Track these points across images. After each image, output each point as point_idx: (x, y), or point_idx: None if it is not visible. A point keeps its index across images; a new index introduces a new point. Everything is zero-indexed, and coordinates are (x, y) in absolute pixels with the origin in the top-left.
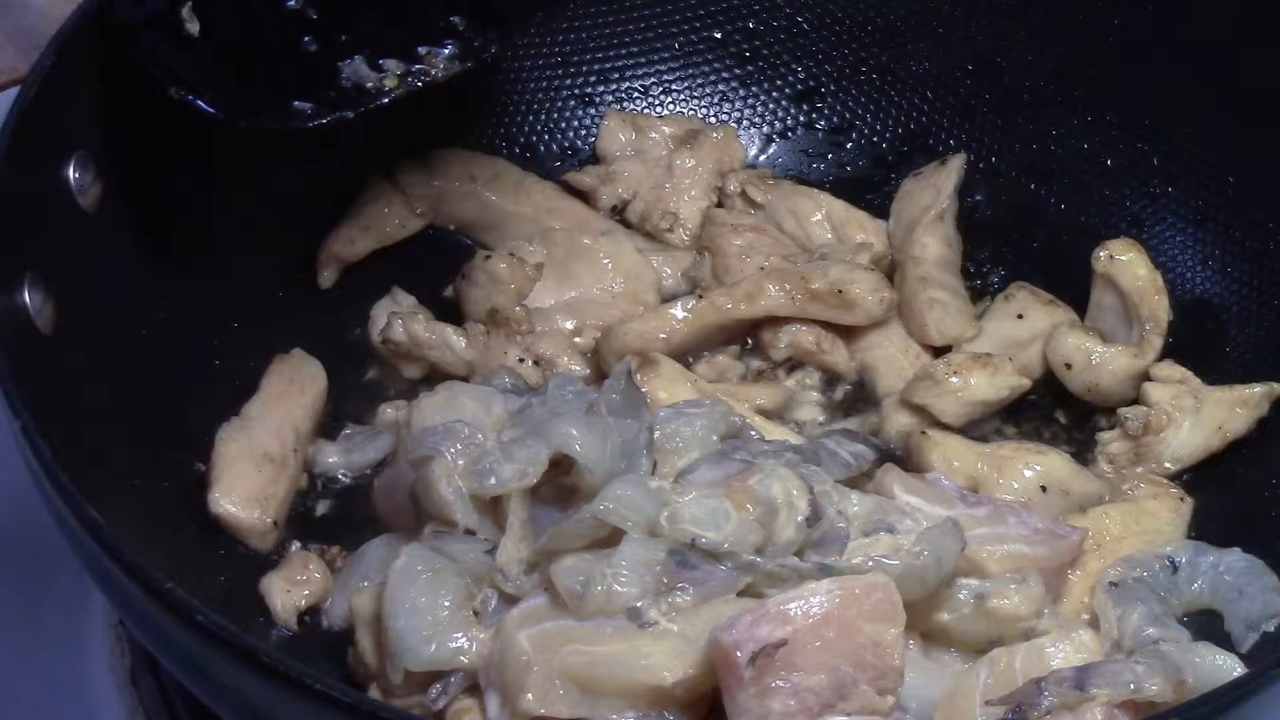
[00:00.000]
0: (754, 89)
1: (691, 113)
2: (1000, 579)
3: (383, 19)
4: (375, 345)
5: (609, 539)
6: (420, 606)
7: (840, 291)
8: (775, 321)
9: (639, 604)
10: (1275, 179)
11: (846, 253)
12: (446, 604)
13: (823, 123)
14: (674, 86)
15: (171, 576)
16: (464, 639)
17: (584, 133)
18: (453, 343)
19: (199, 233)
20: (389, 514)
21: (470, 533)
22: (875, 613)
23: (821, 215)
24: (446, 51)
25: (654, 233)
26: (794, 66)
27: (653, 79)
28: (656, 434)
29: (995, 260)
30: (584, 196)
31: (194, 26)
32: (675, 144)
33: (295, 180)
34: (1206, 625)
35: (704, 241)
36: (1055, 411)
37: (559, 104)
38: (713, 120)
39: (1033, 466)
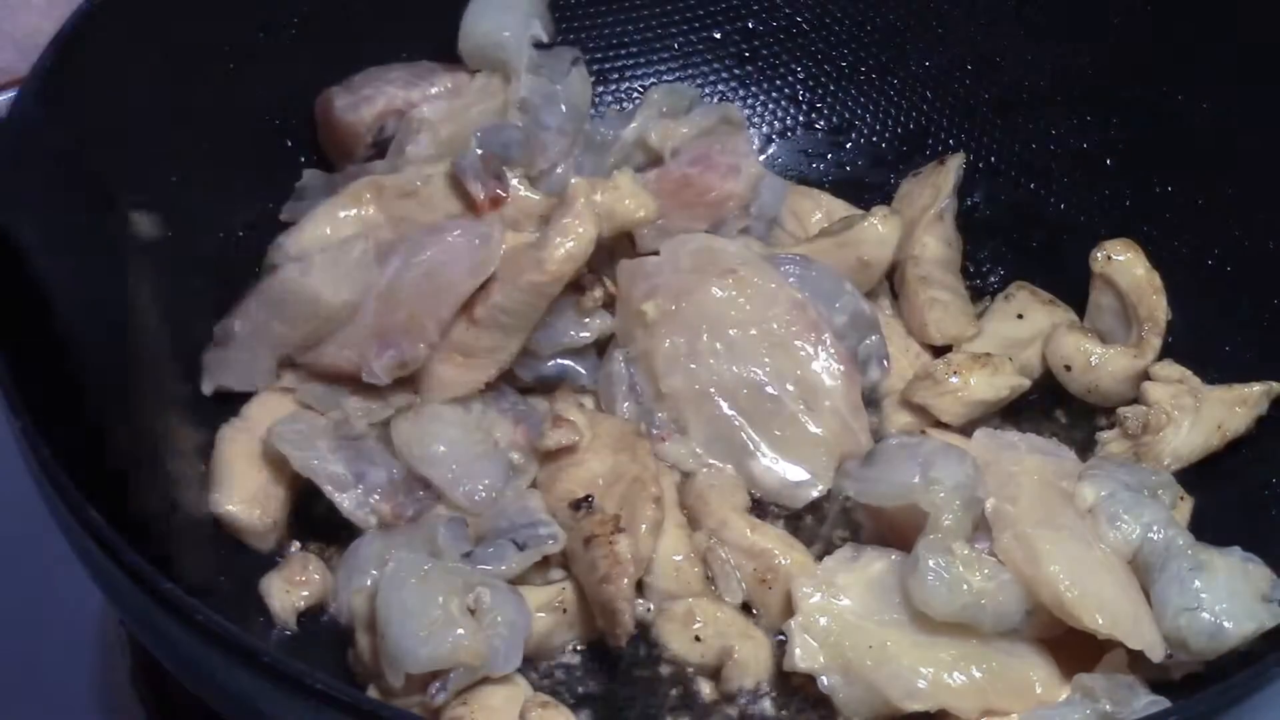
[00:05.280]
0: (754, 89)
1: None
2: None
3: None
4: None
5: None
6: (413, 609)
7: None
8: None
9: None
10: (1274, 178)
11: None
12: (439, 601)
13: (822, 123)
14: None
15: (171, 577)
16: (461, 632)
17: None
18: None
19: (200, 232)
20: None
21: None
22: None
23: (821, 215)
24: None
25: None
26: (794, 66)
27: (653, 79)
28: None
29: (995, 260)
30: None
31: None
32: None
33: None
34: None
35: None
36: (1055, 411)
37: None
38: None
39: None
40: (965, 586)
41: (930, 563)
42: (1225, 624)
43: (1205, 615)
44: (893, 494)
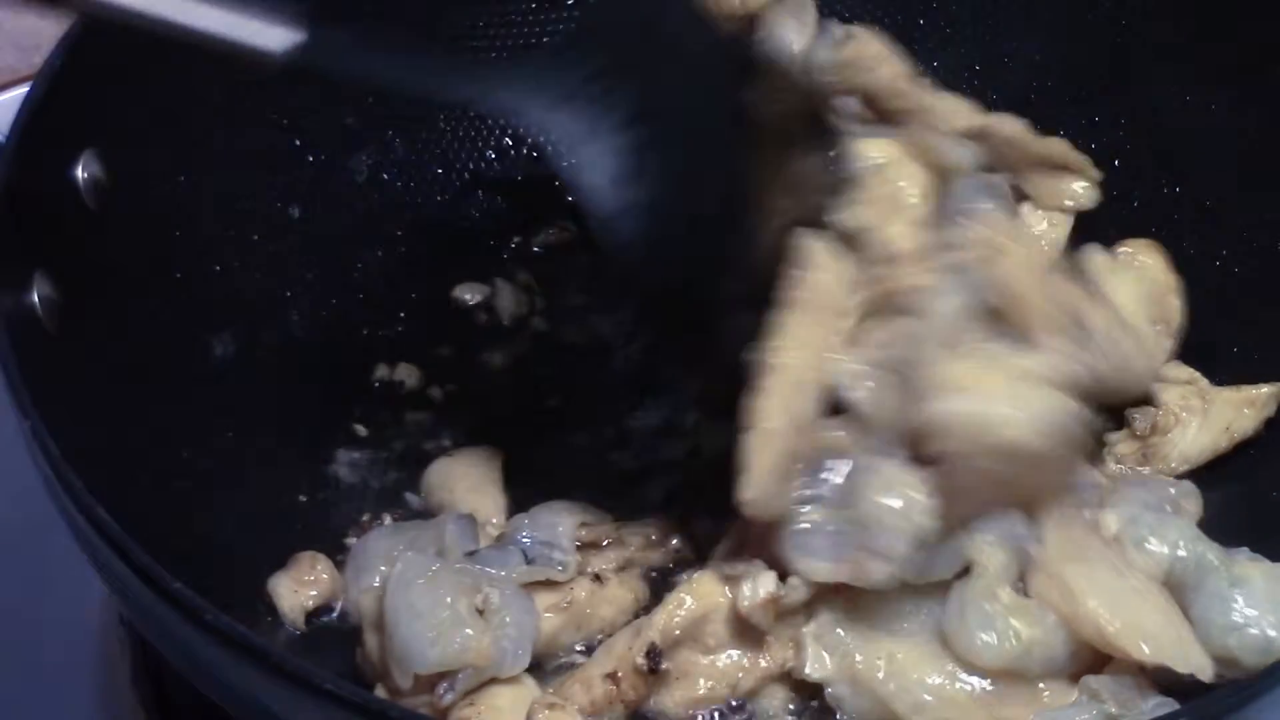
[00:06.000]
0: None
1: None
2: None
3: None
4: None
5: None
6: (421, 610)
7: None
8: None
9: None
10: None
11: None
12: (448, 602)
13: None
14: None
15: (180, 577)
16: (469, 633)
17: None
18: None
19: (208, 233)
20: None
21: None
22: None
23: None
24: None
25: None
26: None
27: None
28: None
29: None
30: None
31: None
32: None
33: None
34: None
35: None
36: None
37: None
38: None
39: None
40: (1012, 634)
41: (973, 611)
42: (1275, 635)
43: (1254, 631)
44: None
